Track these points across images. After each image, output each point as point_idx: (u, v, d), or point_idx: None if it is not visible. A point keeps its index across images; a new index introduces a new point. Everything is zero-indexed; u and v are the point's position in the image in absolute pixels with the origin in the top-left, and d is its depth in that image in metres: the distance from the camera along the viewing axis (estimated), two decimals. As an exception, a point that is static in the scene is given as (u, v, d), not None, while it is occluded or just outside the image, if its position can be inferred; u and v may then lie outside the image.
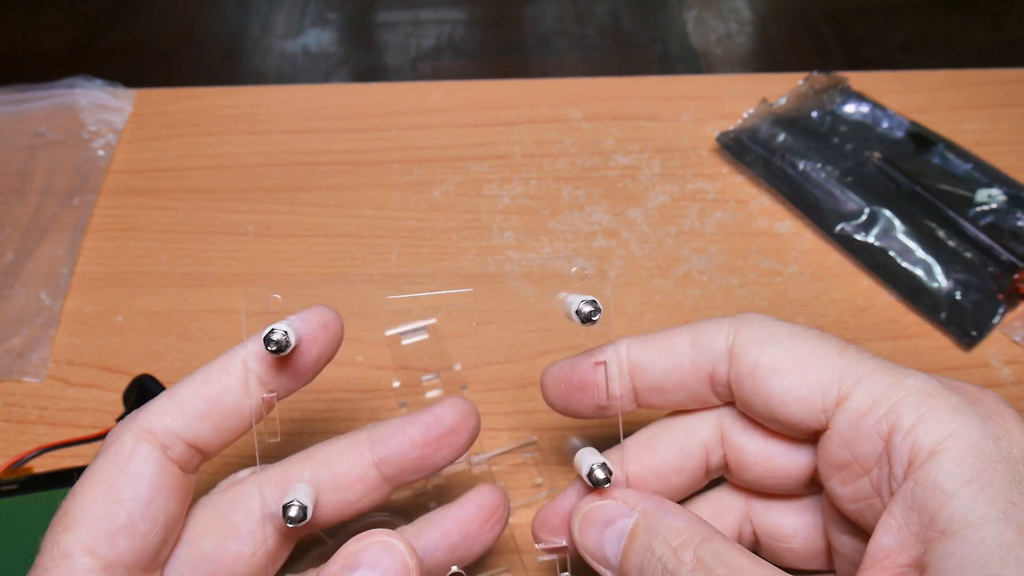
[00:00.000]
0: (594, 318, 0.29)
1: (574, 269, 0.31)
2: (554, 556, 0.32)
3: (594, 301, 0.29)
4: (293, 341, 0.28)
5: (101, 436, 0.44)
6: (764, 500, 0.33)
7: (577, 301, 0.30)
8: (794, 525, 0.32)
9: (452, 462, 0.32)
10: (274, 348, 0.28)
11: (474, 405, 0.32)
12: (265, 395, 0.29)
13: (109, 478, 0.27)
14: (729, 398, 0.31)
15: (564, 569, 0.32)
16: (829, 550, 0.31)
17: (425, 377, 0.43)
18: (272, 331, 0.28)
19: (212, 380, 0.29)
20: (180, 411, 0.28)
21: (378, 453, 0.31)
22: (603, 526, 0.29)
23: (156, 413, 0.28)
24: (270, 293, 0.30)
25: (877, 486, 0.26)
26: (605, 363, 0.31)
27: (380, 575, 0.27)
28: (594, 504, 0.29)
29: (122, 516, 0.26)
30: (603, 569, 0.29)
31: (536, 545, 0.32)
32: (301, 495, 0.28)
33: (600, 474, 0.29)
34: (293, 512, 0.28)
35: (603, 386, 0.32)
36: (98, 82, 0.64)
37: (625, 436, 0.32)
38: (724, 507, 0.33)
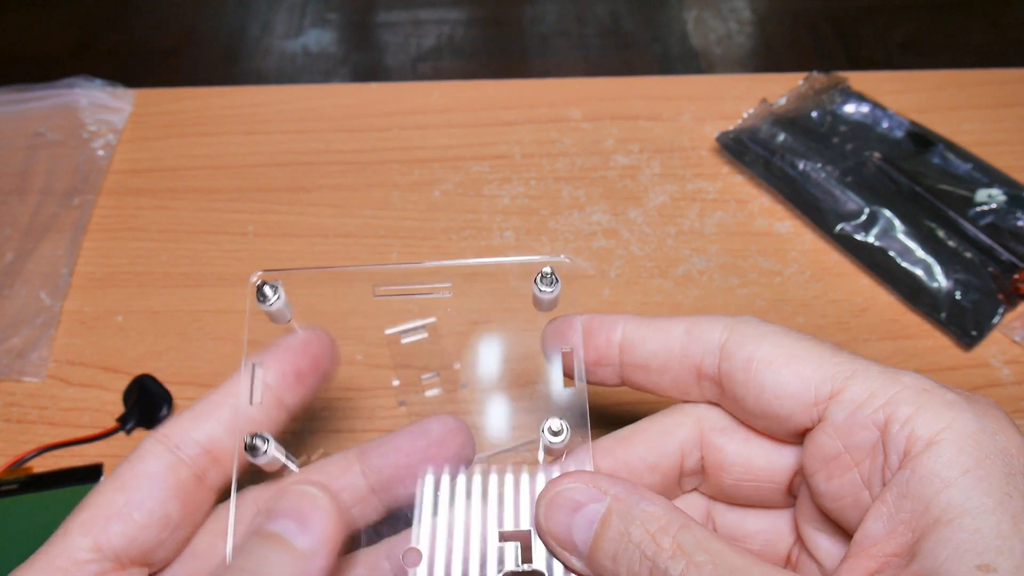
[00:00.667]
0: (549, 287, 0.31)
1: (542, 272, 0.32)
2: (515, 542, 0.30)
3: (549, 274, 0.31)
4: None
5: (101, 436, 0.44)
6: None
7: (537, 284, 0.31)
8: (757, 526, 0.32)
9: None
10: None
11: (467, 426, 0.32)
12: (253, 362, 0.31)
13: (122, 471, 0.29)
14: (711, 395, 0.31)
15: (527, 559, 0.29)
16: (787, 556, 0.31)
17: (425, 376, 0.43)
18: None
19: (224, 390, 0.32)
20: (195, 418, 0.31)
21: (365, 462, 0.32)
22: (572, 511, 0.28)
23: (176, 422, 0.31)
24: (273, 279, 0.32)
25: (867, 478, 0.26)
26: (572, 350, 0.32)
27: (299, 523, 0.27)
28: (562, 487, 0.28)
29: (120, 502, 0.28)
30: (568, 556, 0.28)
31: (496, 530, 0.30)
32: (261, 434, 0.30)
33: (555, 426, 0.29)
34: (256, 443, 0.29)
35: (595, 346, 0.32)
36: (98, 82, 0.64)
37: (605, 435, 0.32)
38: (688, 504, 0.33)
